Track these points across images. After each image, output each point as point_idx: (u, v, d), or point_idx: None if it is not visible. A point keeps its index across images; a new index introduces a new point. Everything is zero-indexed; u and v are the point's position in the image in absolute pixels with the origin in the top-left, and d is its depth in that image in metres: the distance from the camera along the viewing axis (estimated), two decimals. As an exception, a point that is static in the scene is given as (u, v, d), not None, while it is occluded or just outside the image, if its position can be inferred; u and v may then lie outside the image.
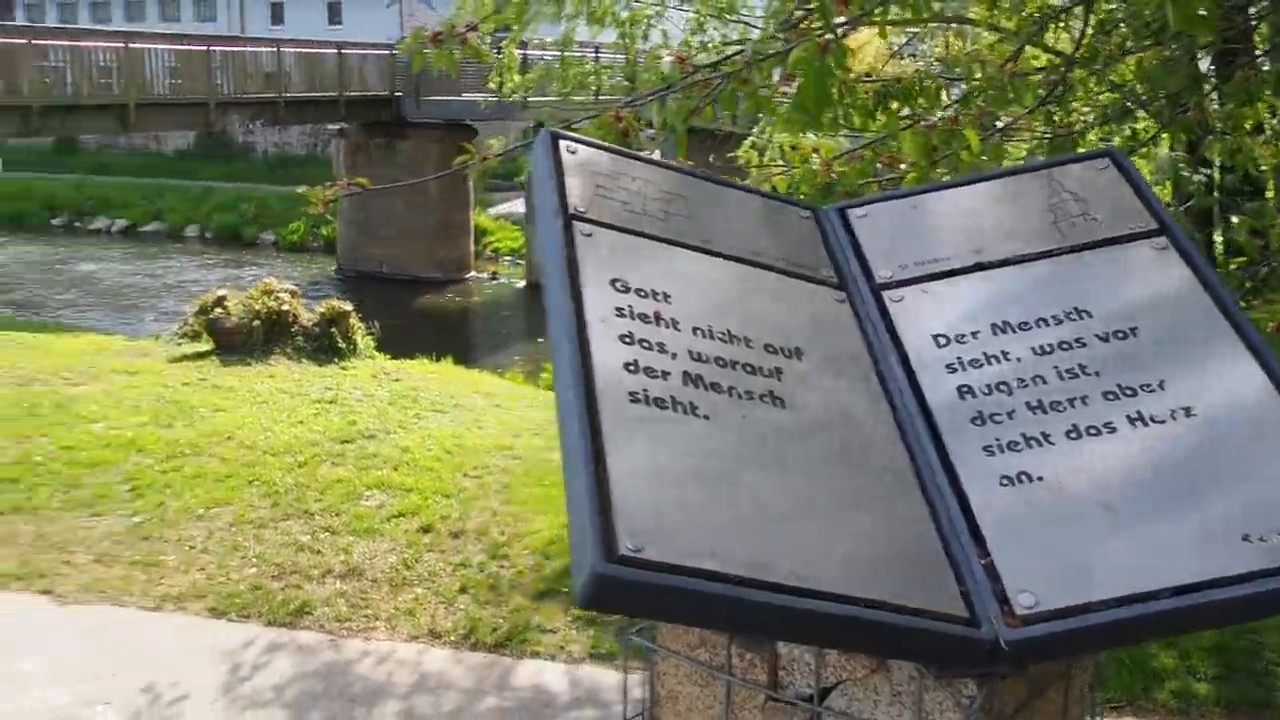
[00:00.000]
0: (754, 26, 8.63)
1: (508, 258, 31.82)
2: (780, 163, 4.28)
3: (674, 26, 9.78)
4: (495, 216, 33.47)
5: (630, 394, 1.33)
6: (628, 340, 1.40)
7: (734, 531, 1.25)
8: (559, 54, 9.36)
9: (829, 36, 2.73)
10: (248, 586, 9.20)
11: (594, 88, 9.86)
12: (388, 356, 16.55)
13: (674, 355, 1.41)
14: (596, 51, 13.37)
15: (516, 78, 8.77)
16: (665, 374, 1.38)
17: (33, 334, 18.44)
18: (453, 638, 8.21)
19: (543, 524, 9.98)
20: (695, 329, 1.46)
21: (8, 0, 54.38)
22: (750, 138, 6.39)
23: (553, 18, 7.14)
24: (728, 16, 8.70)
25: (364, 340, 16.42)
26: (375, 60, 29.10)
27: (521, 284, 28.98)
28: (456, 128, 29.50)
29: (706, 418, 1.37)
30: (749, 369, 1.48)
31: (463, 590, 8.89)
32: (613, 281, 1.47)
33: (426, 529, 10.08)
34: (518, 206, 31.22)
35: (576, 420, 1.28)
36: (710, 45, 8.58)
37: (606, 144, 1.79)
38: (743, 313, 1.56)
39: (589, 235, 1.52)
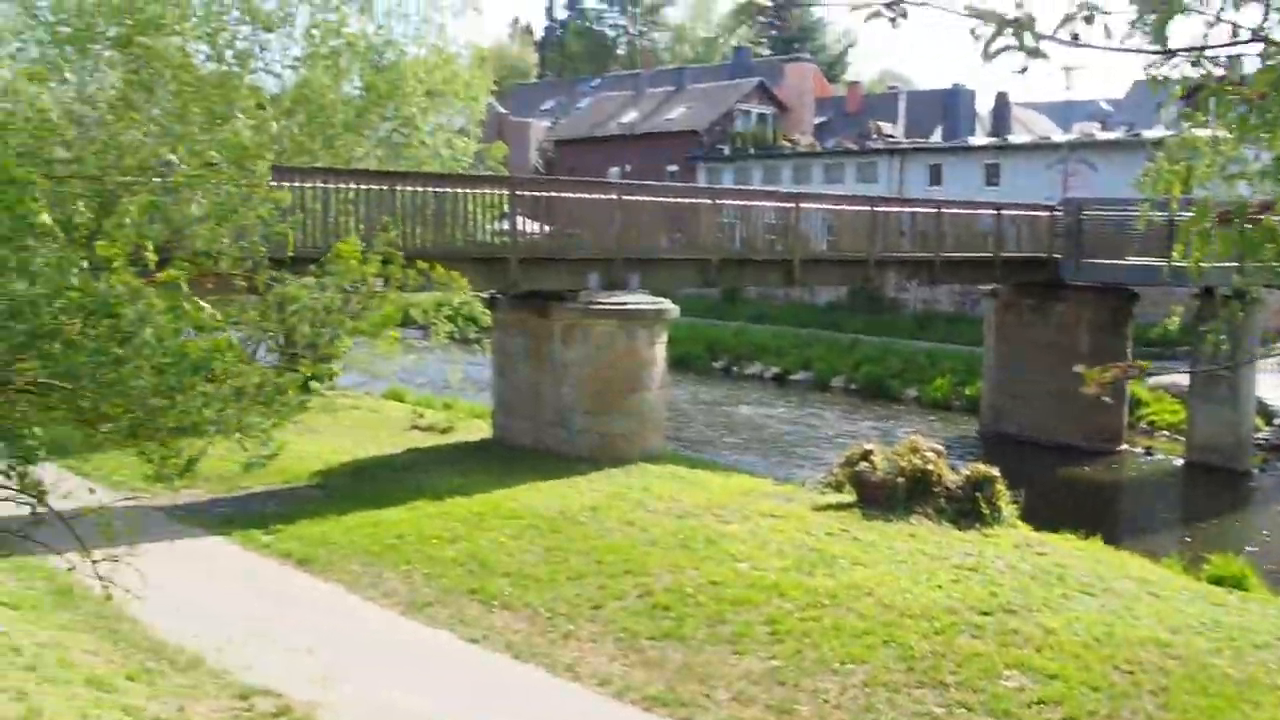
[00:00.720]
0: None
1: (1165, 432, 29.71)
2: None
3: None
4: (1153, 387, 31.52)
5: None
6: None
7: None
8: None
9: None
10: (880, 753, 8.94)
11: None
12: (1030, 526, 15.81)
13: None
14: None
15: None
16: None
17: (690, 469, 19.61)
18: None
19: (1210, 739, 8.86)
20: None
21: (691, 165, 60.15)
22: None
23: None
24: None
25: (1008, 507, 15.80)
26: (1031, 221, 28.72)
27: (1179, 462, 26.86)
28: (1113, 291, 28.36)
29: None
30: None
31: (1114, 800, 8.03)
32: None
33: (1072, 722, 9.30)
34: (1179, 378, 29.13)
35: None
36: None
37: None
38: None
39: None
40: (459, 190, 19.81)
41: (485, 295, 22.75)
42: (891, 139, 56.99)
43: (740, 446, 28.90)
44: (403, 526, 15.43)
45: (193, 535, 15.27)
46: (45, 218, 4.69)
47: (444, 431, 23.24)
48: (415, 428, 23.70)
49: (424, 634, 12.05)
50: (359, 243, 6.57)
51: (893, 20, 3.62)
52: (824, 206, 25.78)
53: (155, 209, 5.45)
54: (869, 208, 25.73)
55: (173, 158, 5.87)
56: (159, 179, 5.73)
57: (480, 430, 23.27)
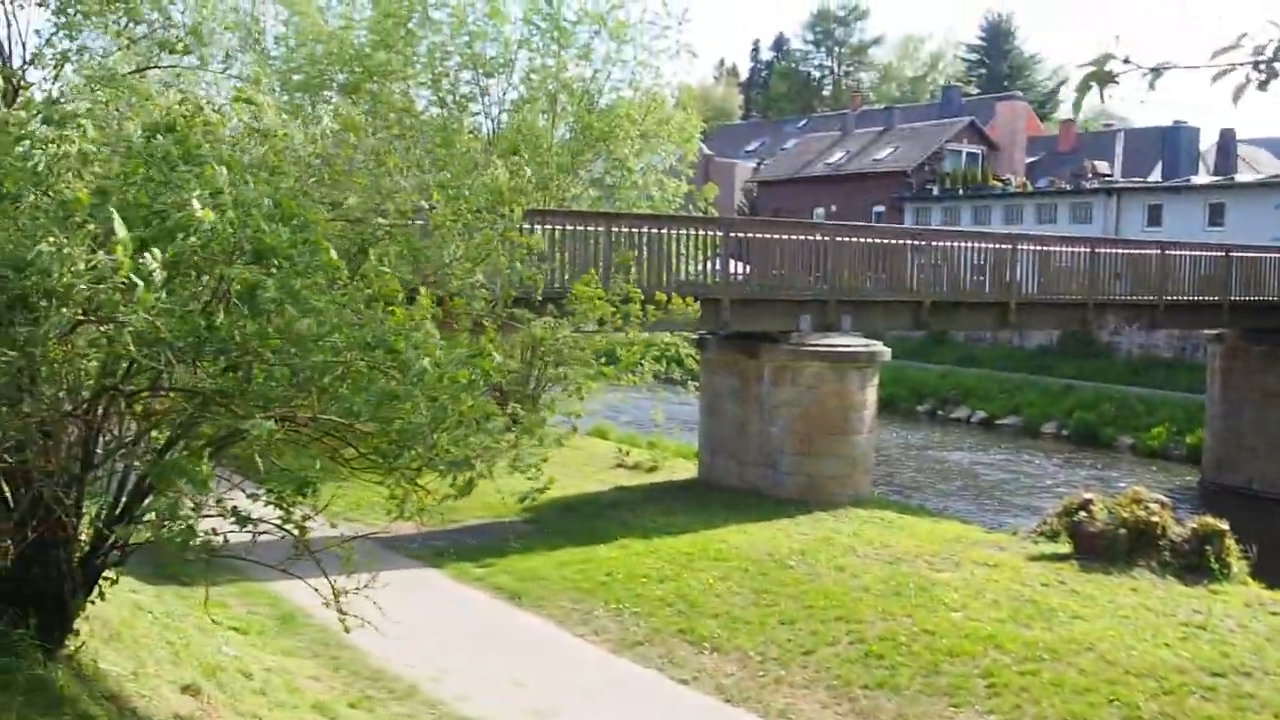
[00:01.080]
0: None
1: None
2: None
3: None
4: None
5: None
6: None
7: None
8: None
9: None
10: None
11: None
12: (1261, 584, 15.02)
13: None
14: None
15: None
16: None
17: (899, 514, 19.30)
18: None
19: None
20: None
21: (898, 206, 59.34)
22: None
23: None
24: None
25: (1237, 563, 15.06)
26: (1261, 263, 27.38)
27: None
28: (1351, 337, 26.87)
29: None
30: None
31: None
32: None
33: (1317, 796, 8.79)
34: None
35: None
36: None
37: None
38: None
39: None
40: (674, 231, 20.02)
41: (694, 335, 22.87)
42: (1107, 178, 55.19)
43: (947, 492, 28.32)
44: (612, 564, 15.58)
45: (406, 567, 15.71)
46: (334, 254, 4.95)
47: (650, 470, 23.39)
48: (621, 465, 23.91)
49: (634, 673, 12.14)
50: (597, 281, 6.76)
51: (1263, 84, 3.45)
52: (1041, 248, 25.06)
53: (414, 251, 5.70)
54: (1088, 249, 24.98)
55: (424, 204, 6.13)
56: (418, 221, 6.00)
57: (685, 469, 23.37)
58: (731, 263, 20.81)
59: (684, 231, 20.18)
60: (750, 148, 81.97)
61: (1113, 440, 35.25)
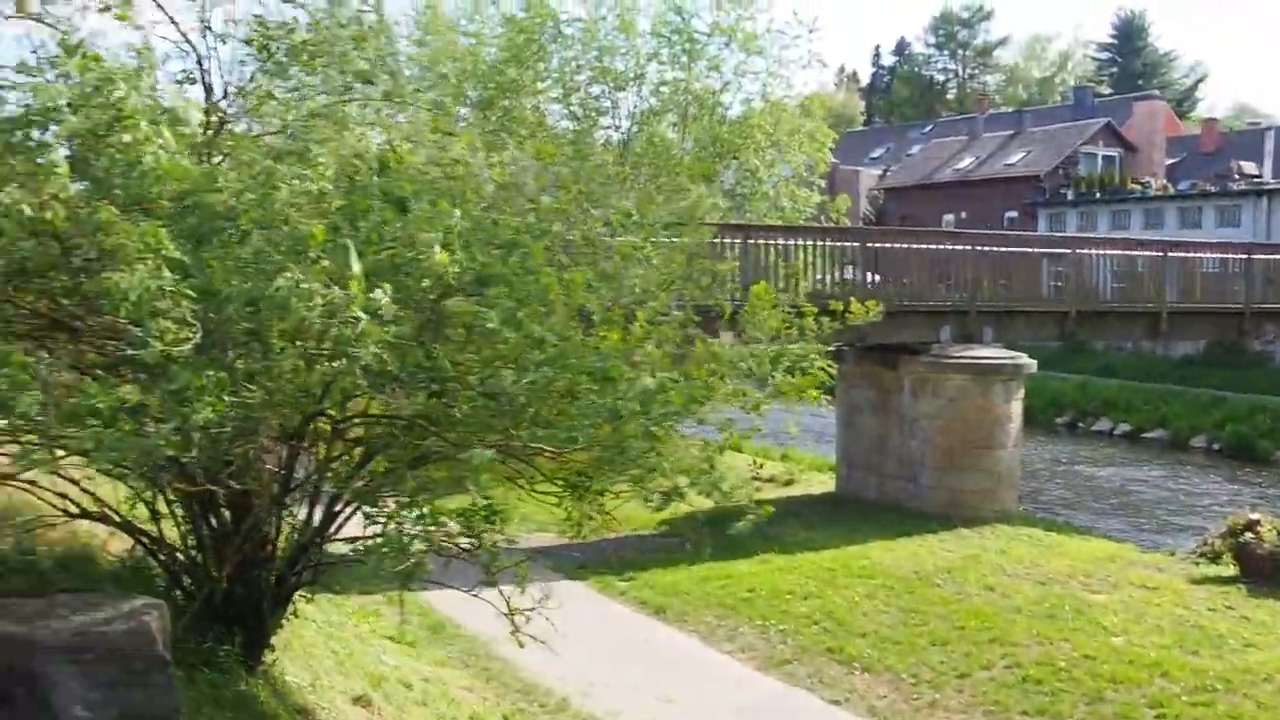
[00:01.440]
0: None
1: None
2: None
3: None
4: None
5: None
6: None
7: None
8: None
9: None
10: None
11: None
12: None
13: None
14: None
15: None
16: None
17: (1046, 532, 18.76)
18: None
19: None
20: None
21: (1031, 211, 58.00)
22: None
23: None
24: None
25: None
26: None
27: None
28: None
29: None
30: None
31: None
32: None
33: None
34: None
35: None
36: None
37: None
38: None
39: None
40: (809, 242, 19.80)
41: (830, 348, 22.53)
42: (1256, 179, 53.15)
43: (1097, 509, 27.44)
44: (754, 580, 15.41)
45: (550, 579, 15.71)
46: (554, 283, 4.94)
47: (786, 483, 23.16)
48: (756, 478, 23.63)
49: (783, 691, 11.96)
50: (771, 290, 6.72)
51: None
52: (1194, 254, 24.17)
53: (604, 278, 5.67)
54: (1244, 255, 24.09)
55: (602, 229, 6.11)
56: (607, 245, 6.00)
57: (821, 483, 23.08)
58: (866, 274, 20.51)
59: (819, 243, 19.93)
60: (874, 154, 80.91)
61: (1270, 454, 33.72)
